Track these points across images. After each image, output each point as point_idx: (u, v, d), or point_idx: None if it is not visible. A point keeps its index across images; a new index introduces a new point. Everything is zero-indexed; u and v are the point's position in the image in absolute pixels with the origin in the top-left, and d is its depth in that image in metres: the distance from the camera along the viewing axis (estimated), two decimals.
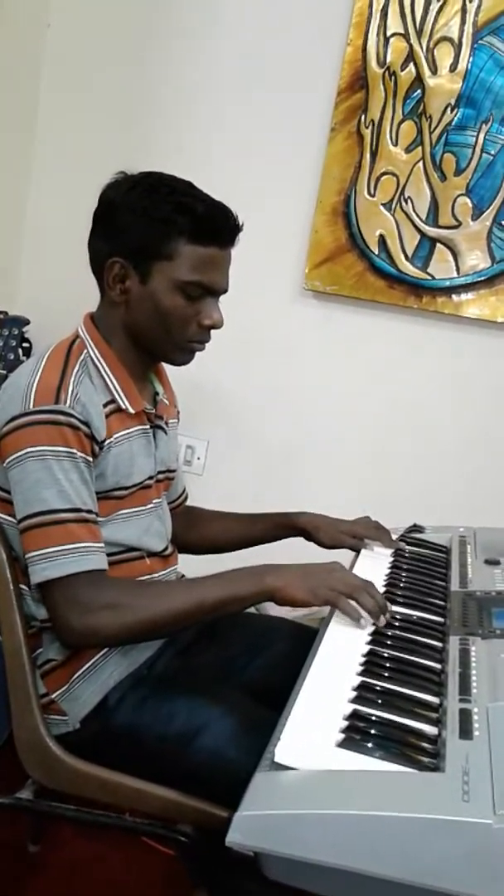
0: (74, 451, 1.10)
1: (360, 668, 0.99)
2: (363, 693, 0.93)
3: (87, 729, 1.19)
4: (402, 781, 0.77)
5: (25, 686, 1.16)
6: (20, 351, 2.16)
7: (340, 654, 1.03)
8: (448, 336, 2.01)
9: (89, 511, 1.12)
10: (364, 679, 0.96)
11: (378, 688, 0.95)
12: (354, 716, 0.88)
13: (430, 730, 0.88)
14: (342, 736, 0.84)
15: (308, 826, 0.72)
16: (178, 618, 1.11)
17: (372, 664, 1.00)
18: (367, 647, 1.05)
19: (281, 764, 0.79)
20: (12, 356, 2.14)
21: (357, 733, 0.84)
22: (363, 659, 1.02)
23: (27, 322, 2.16)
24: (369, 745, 0.83)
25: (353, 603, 1.10)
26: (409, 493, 2.02)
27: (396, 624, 1.13)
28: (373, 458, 2.09)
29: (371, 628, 1.10)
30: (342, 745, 0.82)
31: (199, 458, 2.22)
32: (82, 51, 2.24)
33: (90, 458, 1.13)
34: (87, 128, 2.25)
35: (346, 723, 0.86)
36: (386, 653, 1.04)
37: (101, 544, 1.12)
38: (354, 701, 0.91)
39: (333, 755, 0.81)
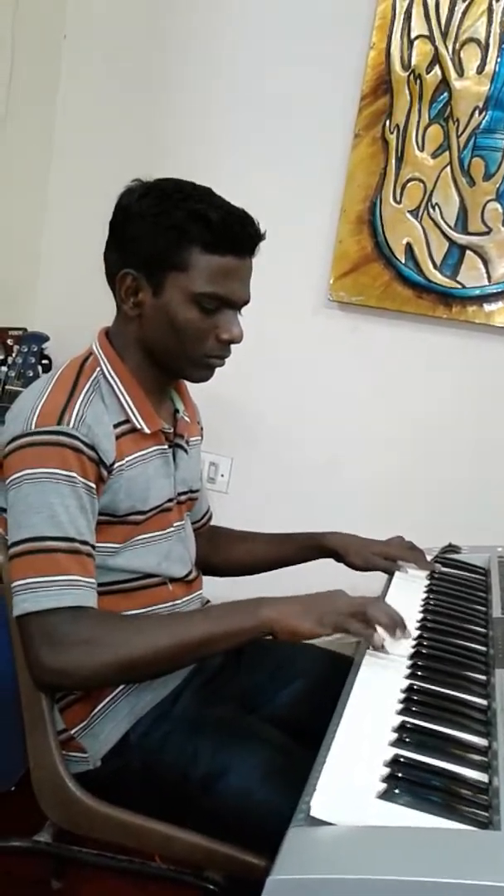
0: (74, 475, 1.04)
1: (400, 707, 0.92)
2: (404, 735, 0.85)
3: (108, 767, 1.13)
4: (451, 840, 0.70)
5: (43, 721, 1.09)
6: (40, 368, 2.11)
7: (377, 690, 0.96)
8: (479, 346, 1.94)
9: (84, 542, 1.04)
10: (404, 719, 0.89)
11: (420, 729, 0.87)
12: (395, 762, 0.80)
13: (479, 777, 0.81)
14: (383, 786, 0.76)
15: (348, 892, 0.65)
16: (161, 656, 1.02)
17: (412, 701, 0.93)
18: (406, 682, 0.97)
19: (317, 818, 0.72)
20: (32, 373, 2.09)
21: (399, 782, 0.77)
22: (402, 696, 0.94)
23: (47, 338, 2.12)
24: (413, 795, 0.75)
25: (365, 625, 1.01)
26: (443, 511, 1.94)
27: (436, 654, 1.06)
28: (404, 474, 2.01)
29: (408, 662, 1.02)
30: (384, 796, 0.75)
31: (223, 476, 2.16)
32: (99, 62, 2.21)
33: (93, 485, 1.06)
34: (104, 140, 2.21)
35: (386, 770, 0.79)
36: (427, 688, 0.97)
37: (92, 579, 1.04)
38: (395, 744, 0.84)
39: (374, 808, 0.74)
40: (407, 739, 0.85)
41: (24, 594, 1.01)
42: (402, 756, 0.81)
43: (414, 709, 0.91)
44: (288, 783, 1.01)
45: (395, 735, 0.86)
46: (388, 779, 0.78)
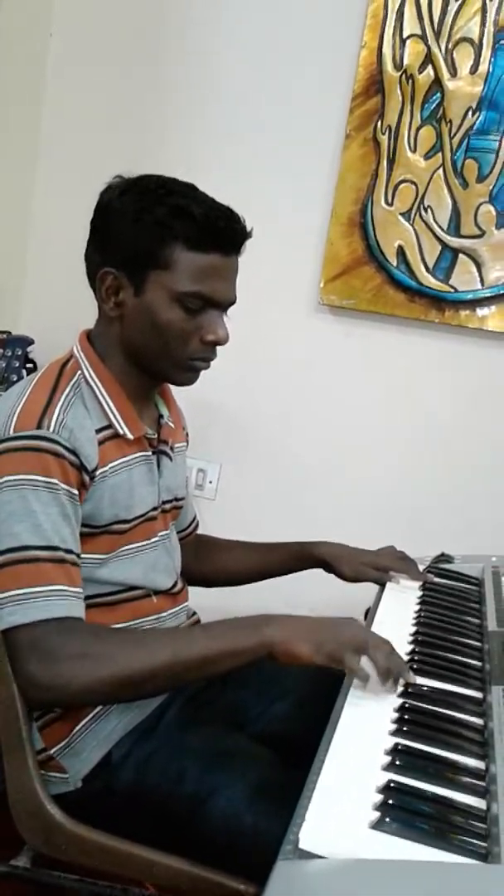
0: (56, 481, 0.99)
1: (393, 727, 0.88)
2: (398, 758, 0.82)
3: (89, 788, 1.08)
4: (449, 875, 0.66)
5: (20, 740, 1.04)
6: (24, 372, 2.07)
7: (369, 709, 0.92)
8: (472, 352, 1.91)
9: (68, 550, 1.00)
10: (397, 740, 0.85)
11: (414, 751, 0.83)
12: (388, 788, 0.76)
13: (476, 803, 0.77)
14: (376, 814, 0.72)
15: None
16: (158, 674, 0.97)
17: (405, 721, 0.89)
18: (400, 701, 0.93)
19: (306, 851, 0.68)
20: (16, 377, 2.05)
21: (393, 810, 0.73)
22: (395, 715, 0.90)
23: (31, 342, 2.08)
24: (408, 825, 0.71)
25: (363, 659, 0.95)
26: (435, 520, 1.90)
27: (430, 670, 1.02)
28: (395, 482, 1.97)
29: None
30: (377, 826, 0.71)
31: (210, 483, 2.12)
32: (85, 61, 2.16)
33: (75, 491, 1.02)
34: (90, 141, 2.17)
35: (379, 797, 0.75)
36: (421, 706, 0.93)
37: (79, 588, 1.00)
38: (388, 768, 0.80)
39: (367, 839, 0.70)
40: (400, 763, 0.81)
41: (10, 606, 0.96)
42: (396, 781, 0.77)
43: (407, 729, 0.88)
44: (278, 805, 0.97)
45: (388, 758, 0.82)
46: (381, 806, 0.74)
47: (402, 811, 0.73)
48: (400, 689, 0.96)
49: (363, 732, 0.87)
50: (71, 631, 0.97)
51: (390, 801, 0.74)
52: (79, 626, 0.98)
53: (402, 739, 0.85)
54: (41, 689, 0.96)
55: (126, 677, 0.96)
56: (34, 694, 0.98)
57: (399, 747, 0.83)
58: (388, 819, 0.72)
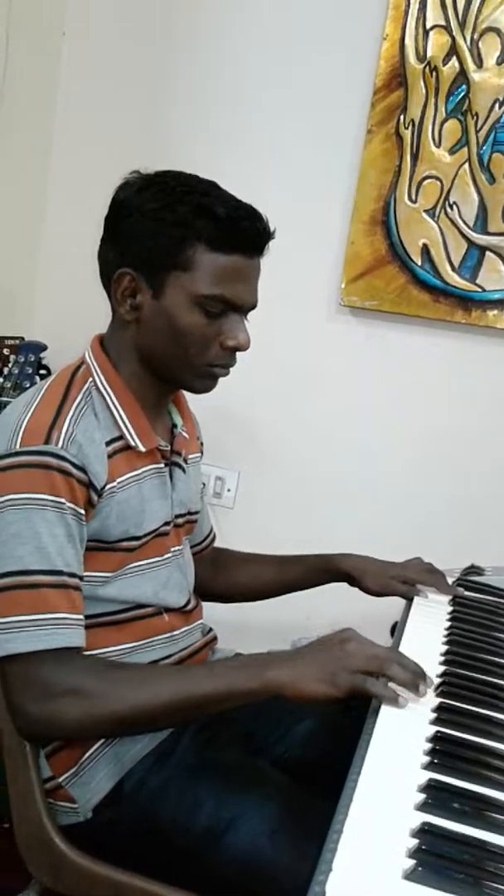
0: (63, 500, 0.94)
1: (426, 760, 0.81)
2: (432, 796, 0.74)
3: (99, 819, 1.02)
4: None
5: (26, 769, 0.99)
6: (37, 378, 2.02)
7: (400, 739, 0.84)
8: (501, 353, 1.83)
9: (72, 574, 0.95)
10: (432, 776, 0.77)
11: (451, 788, 0.76)
12: (424, 831, 0.69)
13: None
14: (411, 862, 0.65)
15: None
16: (156, 713, 0.93)
17: (440, 753, 0.82)
18: (433, 729, 0.86)
19: None
20: (29, 384, 2.00)
21: (429, 857, 0.66)
22: (428, 746, 0.83)
23: (44, 347, 2.03)
24: (446, 875, 0.64)
25: (386, 682, 0.89)
26: (463, 529, 1.82)
27: (465, 694, 0.95)
28: (421, 490, 1.90)
29: (434, 703, 0.91)
30: (411, 876, 0.64)
31: (229, 491, 2.06)
32: (99, 59, 2.12)
33: (81, 510, 0.97)
34: (104, 141, 2.12)
35: (413, 841, 0.68)
36: (457, 736, 0.85)
37: (80, 615, 0.96)
38: (422, 808, 0.73)
39: (399, 892, 0.63)
40: (436, 802, 0.73)
41: (8, 633, 0.92)
42: (431, 824, 0.70)
43: (441, 762, 0.80)
44: (300, 837, 0.93)
45: (423, 796, 0.74)
46: (416, 853, 0.66)
47: (438, 858, 0.66)
48: (433, 715, 0.89)
49: (393, 767, 0.80)
50: (69, 664, 0.93)
51: (424, 847, 0.67)
52: (77, 659, 0.95)
53: (436, 774, 0.78)
54: (34, 723, 0.94)
55: (122, 716, 0.93)
56: (26, 728, 0.95)
57: (433, 783, 0.76)
58: (422, 868, 0.64)
